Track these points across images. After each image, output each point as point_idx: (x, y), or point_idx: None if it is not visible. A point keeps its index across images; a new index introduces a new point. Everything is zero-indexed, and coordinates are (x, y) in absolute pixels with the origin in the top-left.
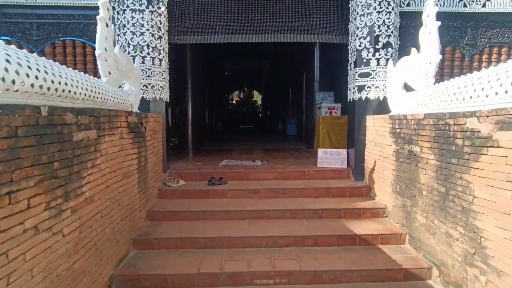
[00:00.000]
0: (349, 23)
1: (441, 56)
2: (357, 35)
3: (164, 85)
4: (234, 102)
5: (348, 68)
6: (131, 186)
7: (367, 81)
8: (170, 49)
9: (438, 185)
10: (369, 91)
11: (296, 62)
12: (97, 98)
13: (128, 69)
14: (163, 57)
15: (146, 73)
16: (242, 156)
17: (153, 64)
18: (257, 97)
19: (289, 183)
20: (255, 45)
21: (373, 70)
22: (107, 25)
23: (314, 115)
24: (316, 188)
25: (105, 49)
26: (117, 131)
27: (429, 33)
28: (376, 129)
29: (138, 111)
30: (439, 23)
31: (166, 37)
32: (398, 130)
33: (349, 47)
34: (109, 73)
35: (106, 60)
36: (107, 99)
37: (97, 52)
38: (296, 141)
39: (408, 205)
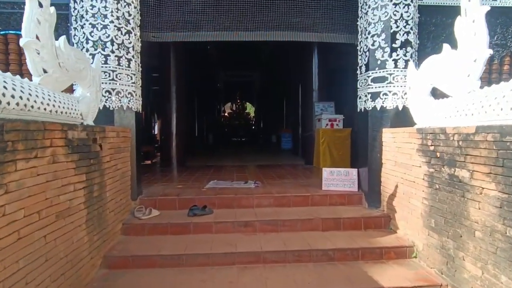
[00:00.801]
0: (358, 19)
1: (491, 51)
2: (369, 32)
3: (134, 92)
4: (226, 114)
5: (358, 72)
6: (72, 229)
7: (382, 87)
8: (152, 54)
9: (505, 226)
10: (385, 98)
11: (291, 70)
12: (7, 103)
13: (79, 69)
14: (133, 56)
15: (109, 76)
16: (233, 175)
17: (118, 65)
18: (250, 109)
19: (290, 211)
20: (247, 55)
21: (390, 74)
22: (40, 5)
23: (312, 128)
24: (323, 218)
25: (37, 38)
26: (44, 153)
27: (472, 22)
28: (397, 146)
29: (92, 124)
30: (487, 7)
31: (138, 33)
32: (431, 148)
33: (358, 47)
34: (44, 72)
35: (38, 54)
36: (31, 106)
37: (22, 41)
38: (292, 156)
39: (450, 247)
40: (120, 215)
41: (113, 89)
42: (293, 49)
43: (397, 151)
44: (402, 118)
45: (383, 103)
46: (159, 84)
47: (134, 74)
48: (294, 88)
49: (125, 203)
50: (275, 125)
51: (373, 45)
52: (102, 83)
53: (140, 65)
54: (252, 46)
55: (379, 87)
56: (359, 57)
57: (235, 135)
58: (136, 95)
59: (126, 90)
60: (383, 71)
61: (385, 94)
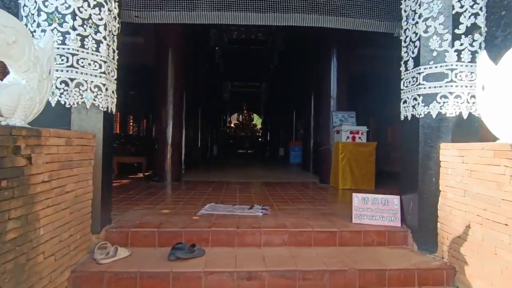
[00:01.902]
0: (403, 1)
1: None
2: (419, 16)
3: (103, 85)
4: (232, 125)
5: (402, 69)
6: None
7: (440, 86)
8: (145, 52)
9: None
10: (444, 102)
11: (303, 77)
12: None
13: (5, 41)
14: (104, 38)
15: (67, 61)
16: (235, 195)
17: (82, 47)
18: (257, 120)
19: (311, 254)
20: (255, 64)
21: (451, 69)
22: None
23: (329, 141)
24: (361, 270)
25: None
26: None
27: None
28: (468, 168)
29: (21, 125)
30: None
31: (115, 10)
32: None
33: (403, 37)
34: None
35: None
36: None
37: None
38: (302, 171)
39: None
40: (67, 258)
41: (72, 79)
42: (307, 53)
43: (469, 176)
44: (466, 129)
45: (440, 109)
46: (154, 86)
47: (105, 62)
48: (306, 96)
49: (80, 239)
50: (283, 137)
51: (426, 31)
52: (56, 70)
53: (116, 52)
54: (260, 55)
55: (435, 87)
56: (404, 49)
57: (241, 147)
58: (106, 89)
59: (92, 82)
60: (441, 66)
61: (444, 96)
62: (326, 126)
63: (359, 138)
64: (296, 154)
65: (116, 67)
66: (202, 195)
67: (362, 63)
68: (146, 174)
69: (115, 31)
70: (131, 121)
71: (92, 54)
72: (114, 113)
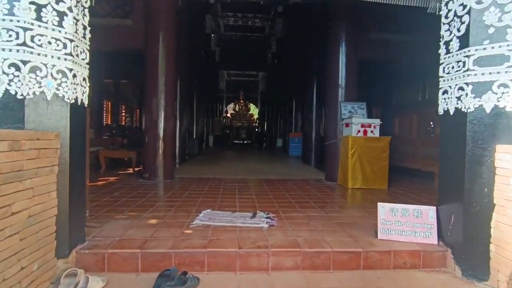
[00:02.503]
0: None
1: None
2: None
3: (69, 70)
4: (228, 115)
5: (442, 51)
6: None
7: (498, 72)
8: (134, 36)
9: None
10: (503, 93)
11: (305, 65)
12: None
13: None
14: (70, 9)
15: (16, 37)
16: (235, 197)
17: (38, 19)
18: (254, 110)
19: (331, 281)
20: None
21: None
22: None
23: (336, 135)
24: None
25: None
26: None
27: None
28: None
29: None
30: None
31: None
32: None
33: (443, 11)
34: None
35: None
36: None
37: None
38: (303, 165)
39: None
40: None
41: (25, 62)
42: (310, 39)
43: None
44: None
45: (498, 101)
46: (144, 73)
47: (72, 41)
48: (308, 85)
49: (38, 270)
50: (281, 128)
51: (479, 2)
52: (3, 49)
53: (88, 29)
54: (257, 42)
55: (490, 73)
56: (445, 27)
57: (237, 137)
58: (74, 76)
59: (53, 66)
60: (499, 46)
61: (504, 85)
62: (333, 118)
63: (371, 132)
64: (295, 146)
65: (88, 48)
66: (197, 197)
67: (373, 49)
68: (136, 169)
69: (86, 1)
70: (123, 111)
71: (54, 29)
72: (87, 105)
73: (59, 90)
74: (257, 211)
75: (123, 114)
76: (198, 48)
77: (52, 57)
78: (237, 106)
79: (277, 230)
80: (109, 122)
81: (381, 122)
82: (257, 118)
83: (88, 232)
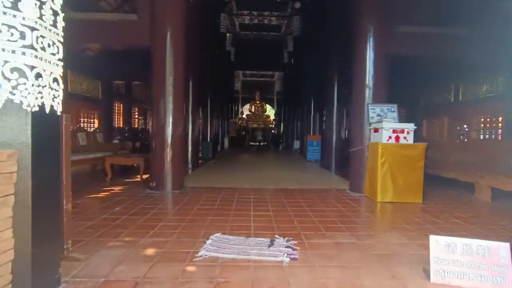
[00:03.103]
0: None
1: None
2: None
3: (31, 67)
4: (244, 116)
5: None
6: None
7: None
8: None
9: None
10: None
11: (324, 63)
12: None
13: None
14: None
15: None
16: (249, 213)
17: None
18: (270, 111)
19: None
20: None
21: None
22: None
23: (363, 140)
24: None
25: None
26: None
27: None
28: None
29: None
30: None
31: None
32: None
33: None
34: None
35: None
36: None
37: None
38: (322, 171)
39: None
40: None
41: None
42: (331, 35)
43: None
44: None
45: None
46: (150, 73)
47: (34, 29)
48: (328, 85)
49: None
50: (298, 129)
51: None
52: None
53: (60, 15)
54: (273, 41)
55: None
56: None
57: (253, 139)
58: (38, 76)
59: (5, 62)
60: None
61: None
62: (358, 122)
63: (404, 138)
64: (314, 149)
65: (61, 40)
66: (207, 214)
67: (401, 44)
68: (145, 176)
69: None
70: (136, 113)
71: (5, 13)
72: (60, 112)
73: (14, 94)
74: (275, 237)
75: (136, 116)
76: (212, 47)
77: (3, 50)
78: (253, 107)
79: (300, 266)
80: (122, 125)
81: (415, 127)
82: (273, 119)
83: (68, 269)
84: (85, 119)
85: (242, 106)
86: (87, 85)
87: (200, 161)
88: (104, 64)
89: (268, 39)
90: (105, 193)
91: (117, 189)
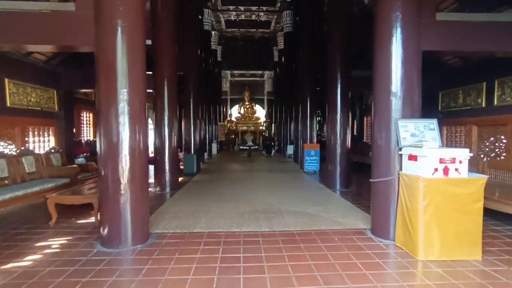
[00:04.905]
0: None
1: None
2: None
3: None
4: (233, 118)
5: None
6: None
7: None
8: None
9: None
10: None
11: (324, 59)
12: None
13: None
14: None
15: None
16: (239, 281)
17: None
18: (260, 112)
19: None
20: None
21: None
22: None
23: (390, 168)
24: None
25: None
26: None
27: None
28: None
29: None
30: None
31: None
32: None
33: None
34: None
35: None
36: None
37: None
38: (326, 191)
39: None
40: None
41: None
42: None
43: None
44: None
45: None
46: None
47: None
48: (330, 86)
49: None
50: (292, 132)
51: None
52: None
53: None
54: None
55: None
56: None
57: (243, 142)
58: None
59: None
60: None
61: None
62: (383, 143)
63: (456, 170)
64: (312, 160)
65: None
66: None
67: (439, 37)
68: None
69: None
70: None
71: None
72: None
73: None
74: None
75: None
76: (194, 46)
77: None
78: (242, 108)
79: None
80: (93, 137)
81: (471, 155)
82: (264, 121)
83: None
84: (36, 138)
85: (231, 107)
86: (37, 96)
87: (181, 178)
88: (63, 69)
89: (256, 37)
90: (37, 254)
91: (57, 243)
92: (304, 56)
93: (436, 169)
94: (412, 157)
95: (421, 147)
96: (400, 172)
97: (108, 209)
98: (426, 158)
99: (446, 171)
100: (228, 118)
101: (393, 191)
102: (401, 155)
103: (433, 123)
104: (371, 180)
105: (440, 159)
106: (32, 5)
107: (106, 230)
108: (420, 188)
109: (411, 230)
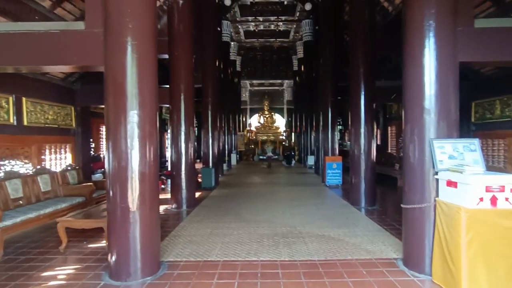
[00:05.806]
0: None
1: None
2: None
3: None
4: (253, 128)
5: None
6: None
7: None
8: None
9: None
10: None
11: (345, 69)
12: None
13: None
14: None
15: None
16: None
17: None
18: (280, 122)
19: None
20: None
21: None
22: None
23: (424, 193)
24: None
25: None
26: None
27: None
28: None
29: None
30: None
31: None
32: None
33: None
34: None
35: None
36: None
37: None
38: (350, 209)
39: None
40: None
41: None
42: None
43: None
44: None
45: None
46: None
47: None
48: (353, 96)
49: None
50: (312, 142)
51: None
52: None
53: None
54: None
55: None
56: None
57: (263, 152)
58: None
59: None
60: None
61: None
62: (417, 164)
63: (506, 200)
64: (334, 173)
65: None
66: None
67: (478, 48)
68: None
69: None
70: None
71: None
72: None
73: None
74: None
75: None
76: (213, 58)
77: None
78: (261, 117)
79: None
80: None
81: None
82: (284, 130)
83: None
84: (53, 155)
85: (251, 117)
86: (54, 113)
87: (199, 193)
88: (79, 86)
89: (275, 46)
90: (42, 285)
91: (64, 272)
92: (324, 64)
93: (481, 199)
94: (451, 183)
95: (461, 172)
96: (437, 198)
97: (116, 238)
98: (469, 186)
99: (494, 201)
100: (248, 128)
101: (428, 220)
102: (437, 179)
103: (474, 143)
104: (402, 205)
105: (487, 187)
106: (41, 26)
107: (113, 260)
108: (462, 220)
109: (452, 266)
